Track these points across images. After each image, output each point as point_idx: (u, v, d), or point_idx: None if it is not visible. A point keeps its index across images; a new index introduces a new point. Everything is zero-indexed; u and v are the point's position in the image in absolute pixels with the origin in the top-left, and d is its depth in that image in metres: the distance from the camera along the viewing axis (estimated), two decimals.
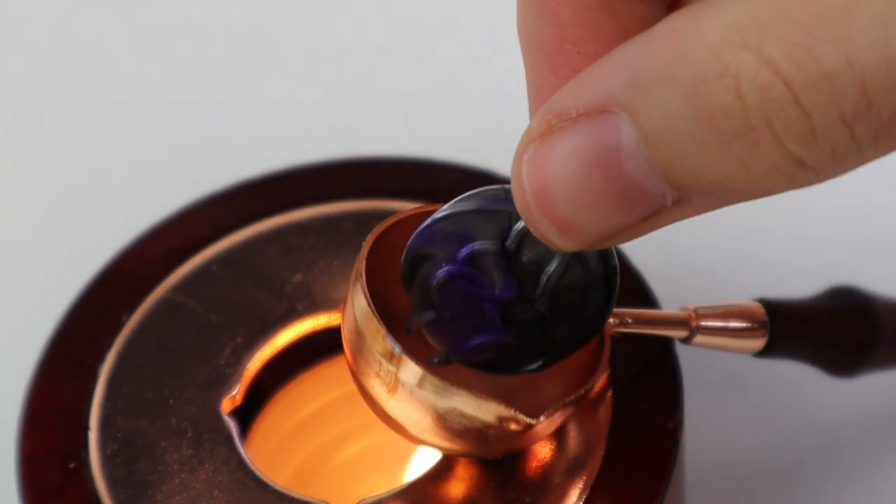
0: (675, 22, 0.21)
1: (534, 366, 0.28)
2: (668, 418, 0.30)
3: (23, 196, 0.46)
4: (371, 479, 0.35)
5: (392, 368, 0.27)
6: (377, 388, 0.27)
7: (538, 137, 0.22)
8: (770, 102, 0.19)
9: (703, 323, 0.31)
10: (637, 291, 0.32)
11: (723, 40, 0.20)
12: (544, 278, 0.28)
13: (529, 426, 0.27)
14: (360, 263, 0.27)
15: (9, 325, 0.42)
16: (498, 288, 0.28)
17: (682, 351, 0.31)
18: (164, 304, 0.33)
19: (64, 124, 0.48)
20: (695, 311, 0.31)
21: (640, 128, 0.21)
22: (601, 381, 0.30)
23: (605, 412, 0.30)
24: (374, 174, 0.36)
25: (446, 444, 0.28)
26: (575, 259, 0.27)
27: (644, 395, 0.30)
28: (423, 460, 0.34)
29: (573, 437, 0.30)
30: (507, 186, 0.26)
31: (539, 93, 0.24)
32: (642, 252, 0.34)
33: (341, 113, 0.47)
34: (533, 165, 0.22)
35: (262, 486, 0.30)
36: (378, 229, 0.28)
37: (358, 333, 0.27)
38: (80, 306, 0.33)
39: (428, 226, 0.28)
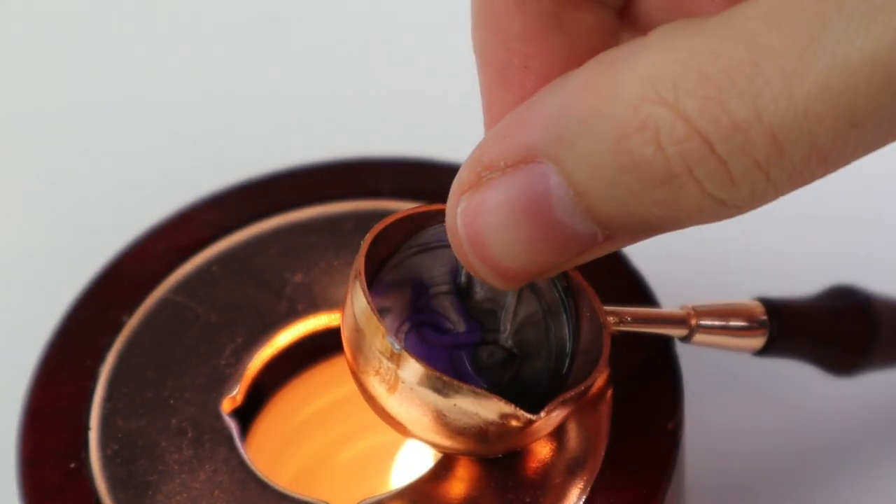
0: (592, 75, 0.22)
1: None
2: (668, 418, 0.30)
3: (23, 196, 0.46)
4: (371, 479, 0.35)
5: (392, 366, 0.27)
6: (377, 386, 0.27)
7: (469, 189, 0.23)
8: (689, 153, 0.21)
9: (703, 322, 0.31)
10: (636, 291, 0.32)
11: (639, 97, 0.21)
12: (502, 314, 0.28)
13: (530, 422, 0.27)
14: (360, 262, 0.27)
15: (9, 324, 0.42)
16: (461, 331, 0.29)
17: (682, 351, 0.31)
18: (165, 304, 0.33)
19: (65, 124, 0.48)
20: (694, 309, 0.31)
21: (567, 177, 0.22)
22: (601, 379, 0.30)
23: (605, 412, 0.30)
24: (374, 174, 0.36)
25: (447, 443, 0.28)
26: (527, 289, 0.28)
27: (644, 395, 0.30)
28: (423, 460, 0.34)
29: (573, 438, 0.30)
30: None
31: (490, 107, 0.25)
32: (642, 252, 0.34)
33: (341, 113, 0.47)
34: (466, 217, 0.23)
35: (263, 486, 0.30)
36: (377, 228, 0.28)
37: (357, 331, 0.27)
38: (80, 306, 0.33)
39: (379, 280, 0.29)
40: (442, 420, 0.27)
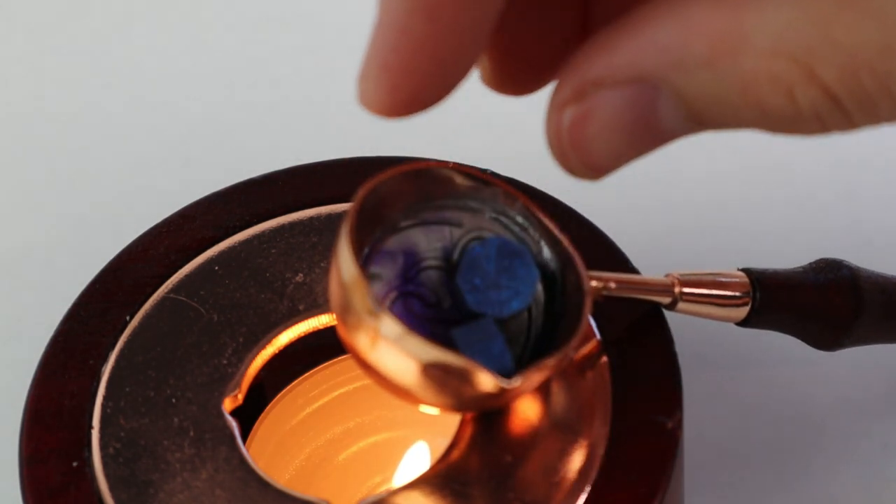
0: (716, 14, 0.23)
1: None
2: (668, 418, 0.30)
3: (25, 195, 0.46)
4: (372, 478, 0.35)
5: (373, 322, 0.27)
6: (359, 340, 0.28)
7: (573, 100, 0.25)
8: (821, 108, 0.23)
9: (687, 290, 0.31)
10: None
11: (773, 51, 0.22)
12: None
13: (504, 389, 0.28)
14: (350, 218, 0.27)
15: (11, 324, 0.42)
16: (446, 307, 0.29)
17: (681, 350, 0.31)
18: (167, 303, 0.33)
19: (66, 124, 0.48)
20: (678, 278, 0.31)
21: (682, 100, 0.24)
22: (589, 348, 0.31)
23: (605, 411, 0.30)
24: (374, 174, 0.36)
25: (425, 399, 0.28)
26: None
27: (644, 394, 0.30)
28: (423, 460, 0.34)
29: (573, 437, 0.30)
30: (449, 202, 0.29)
31: (403, 34, 0.24)
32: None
33: (342, 113, 0.47)
34: (573, 125, 0.25)
35: (264, 485, 0.30)
36: (374, 182, 0.28)
37: (342, 286, 0.27)
38: (82, 305, 0.33)
39: (374, 247, 0.29)
40: (419, 379, 0.28)
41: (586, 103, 0.24)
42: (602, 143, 0.25)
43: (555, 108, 0.25)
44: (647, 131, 0.25)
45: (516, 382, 0.28)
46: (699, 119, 0.24)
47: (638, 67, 0.24)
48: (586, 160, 0.25)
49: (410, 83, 0.24)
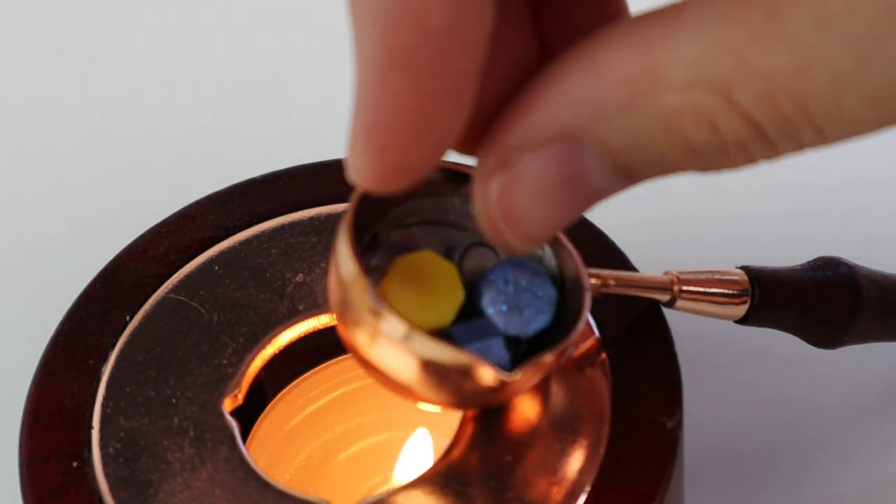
0: (627, 55, 0.22)
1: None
2: (668, 418, 0.30)
3: (25, 195, 0.46)
4: (372, 478, 0.35)
5: (372, 319, 0.27)
6: (358, 337, 0.28)
7: (498, 171, 0.24)
8: (743, 136, 0.22)
9: (686, 287, 0.31)
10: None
11: (690, 83, 0.22)
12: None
13: (504, 382, 0.28)
14: (349, 215, 0.27)
15: (11, 324, 0.42)
16: None
17: (680, 350, 0.31)
18: (167, 303, 0.33)
19: (67, 124, 0.48)
20: (678, 275, 0.31)
21: (607, 151, 0.23)
22: (588, 345, 0.31)
23: (605, 411, 0.30)
24: None
25: (424, 395, 0.28)
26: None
27: (644, 394, 0.31)
28: (423, 460, 0.34)
29: (573, 437, 0.30)
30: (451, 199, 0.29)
31: (382, 91, 0.23)
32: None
33: (342, 113, 0.47)
34: (501, 196, 0.24)
35: (264, 485, 0.30)
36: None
37: (341, 283, 0.27)
38: (82, 305, 0.33)
39: (374, 242, 0.29)
40: (419, 375, 0.28)
41: (511, 171, 0.24)
42: (533, 211, 0.24)
43: (480, 180, 0.24)
44: (577, 191, 0.24)
45: (516, 376, 0.28)
46: (627, 170, 0.23)
47: (557, 124, 0.23)
48: (519, 231, 0.24)
49: (398, 143, 0.23)
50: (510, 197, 0.24)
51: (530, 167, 0.24)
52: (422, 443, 0.34)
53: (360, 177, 0.23)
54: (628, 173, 0.24)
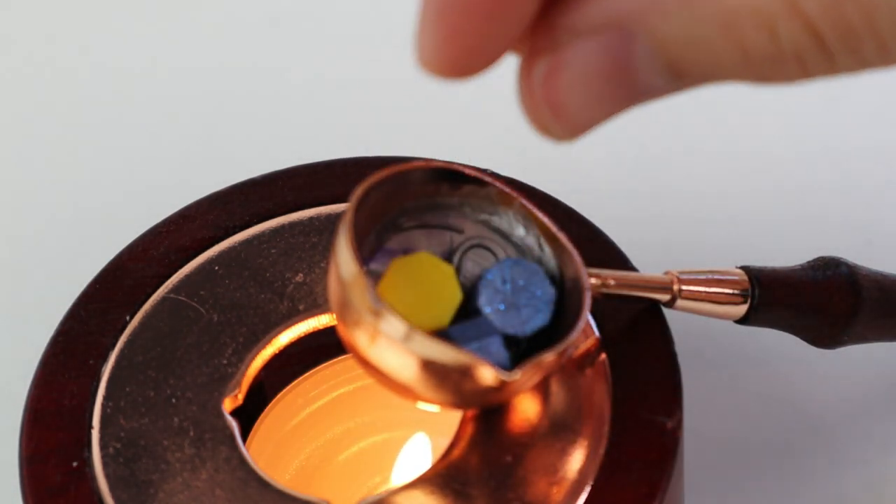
0: None
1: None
2: (668, 418, 0.30)
3: (25, 195, 0.46)
4: (372, 478, 0.35)
5: (372, 319, 0.27)
6: (359, 337, 0.28)
7: (546, 51, 0.23)
8: (803, 46, 0.22)
9: (686, 287, 0.31)
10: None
11: None
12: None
13: (504, 382, 0.28)
14: (349, 215, 0.27)
15: (11, 324, 0.42)
16: None
17: (680, 349, 0.31)
18: (167, 303, 0.33)
19: (66, 124, 0.48)
20: (678, 275, 0.31)
21: (660, 46, 0.23)
22: (588, 345, 0.31)
23: (605, 411, 0.30)
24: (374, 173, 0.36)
25: (424, 394, 0.28)
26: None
27: (644, 394, 0.31)
28: (423, 460, 0.34)
29: (573, 437, 0.30)
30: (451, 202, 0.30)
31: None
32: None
33: (342, 113, 0.47)
34: (547, 78, 0.23)
35: (264, 485, 0.30)
36: (367, 182, 0.28)
37: (342, 284, 0.27)
38: (82, 305, 0.33)
39: (374, 245, 0.29)
40: (419, 375, 0.28)
41: (560, 53, 0.23)
42: (577, 96, 0.23)
43: (528, 58, 0.24)
44: (623, 83, 0.23)
45: (516, 375, 0.28)
46: (677, 68, 0.23)
47: (613, 13, 0.23)
48: (560, 115, 0.24)
49: (473, 26, 0.22)
50: (555, 79, 0.23)
51: (579, 51, 0.23)
52: (421, 443, 0.34)
53: (429, 63, 0.23)
54: (677, 73, 0.23)
